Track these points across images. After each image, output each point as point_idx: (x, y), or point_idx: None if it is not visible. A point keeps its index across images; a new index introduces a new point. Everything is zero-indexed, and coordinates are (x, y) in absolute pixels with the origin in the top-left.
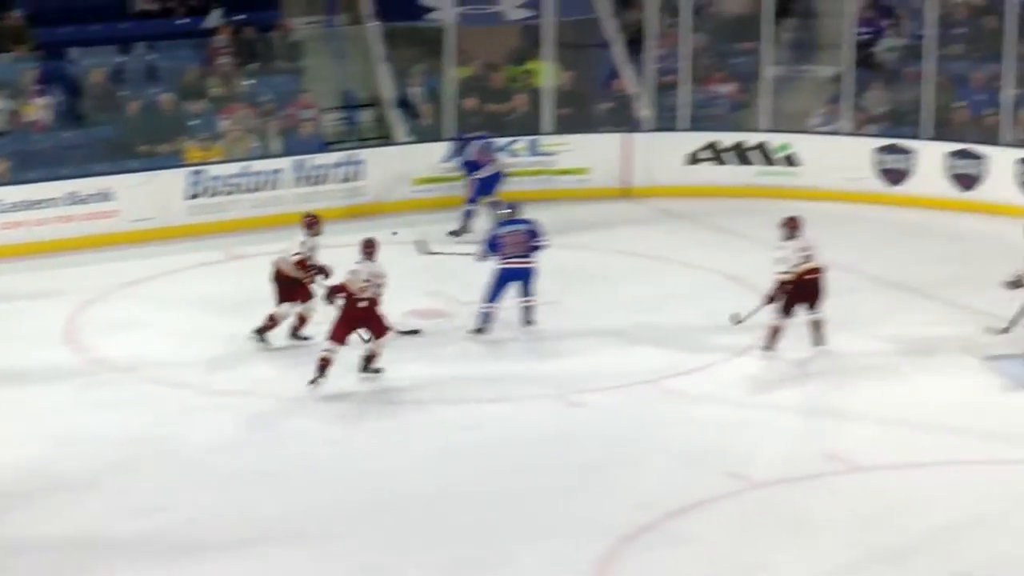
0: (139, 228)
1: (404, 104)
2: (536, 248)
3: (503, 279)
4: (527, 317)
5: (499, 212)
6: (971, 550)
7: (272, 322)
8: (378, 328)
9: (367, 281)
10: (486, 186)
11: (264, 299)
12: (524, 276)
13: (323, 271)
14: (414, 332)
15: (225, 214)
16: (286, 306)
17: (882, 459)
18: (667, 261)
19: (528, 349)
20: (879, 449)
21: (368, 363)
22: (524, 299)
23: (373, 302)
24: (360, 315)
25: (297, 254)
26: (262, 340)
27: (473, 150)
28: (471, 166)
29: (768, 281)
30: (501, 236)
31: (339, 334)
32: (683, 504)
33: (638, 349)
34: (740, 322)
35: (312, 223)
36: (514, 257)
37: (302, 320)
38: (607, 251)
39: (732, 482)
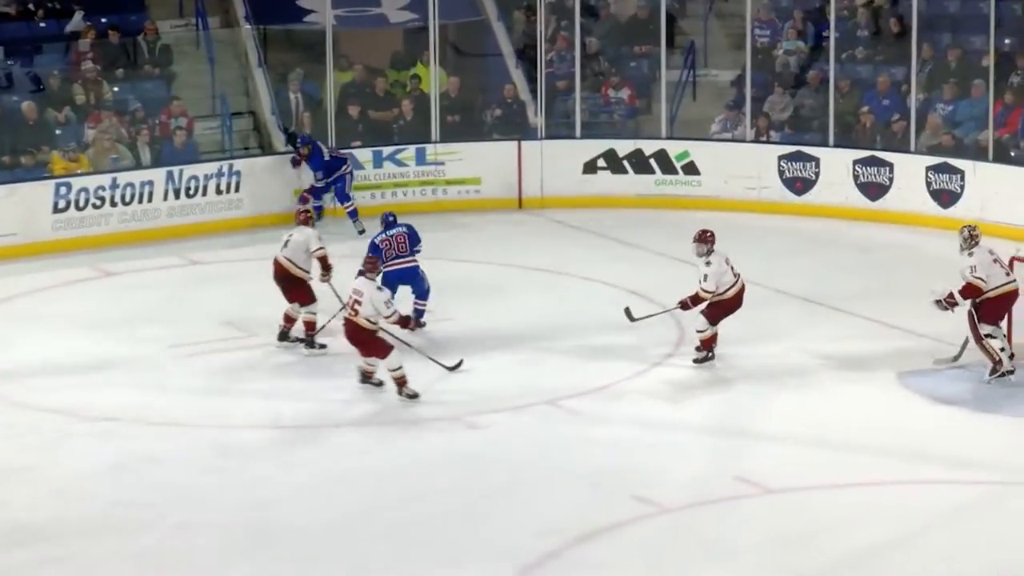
0: (2, 244)
1: (280, 111)
2: (415, 250)
3: (388, 284)
4: (417, 319)
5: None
6: (893, 571)
7: (289, 322)
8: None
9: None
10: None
11: (138, 316)
12: (409, 277)
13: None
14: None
15: (94, 228)
16: (296, 304)
17: (797, 479)
18: (564, 275)
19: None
20: (793, 469)
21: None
22: (417, 302)
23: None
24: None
25: (320, 248)
26: (291, 342)
27: (325, 150)
28: (332, 165)
29: (673, 293)
30: (379, 242)
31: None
32: (589, 530)
33: (537, 367)
34: (633, 320)
35: (309, 217)
36: (395, 259)
37: (290, 321)
38: (501, 265)
39: (640, 506)
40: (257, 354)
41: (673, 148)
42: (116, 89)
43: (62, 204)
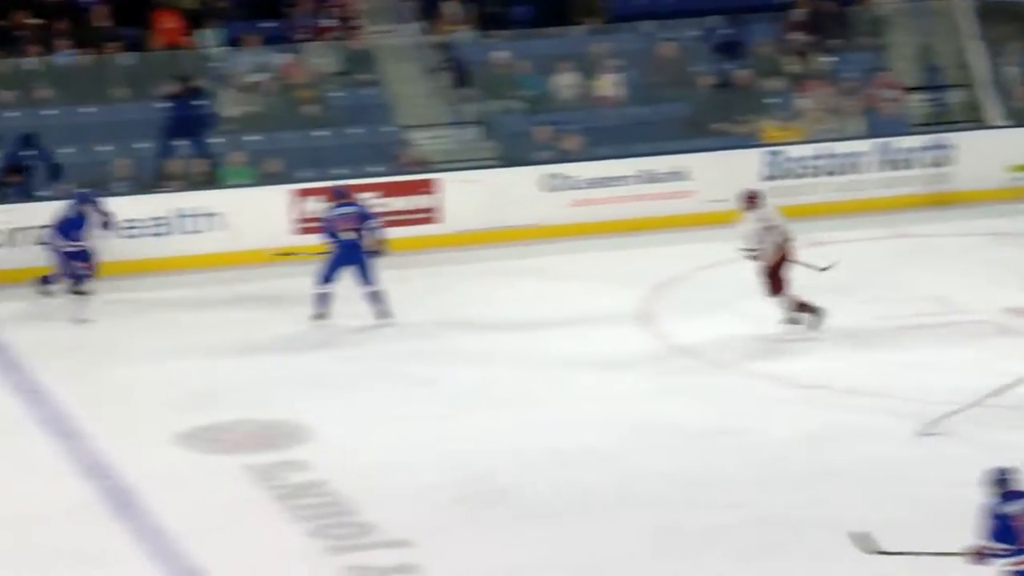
0: (714, 209)
1: (998, 85)
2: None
3: (337, 259)
4: (380, 309)
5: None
6: None
7: (803, 307)
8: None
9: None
10: None
11: (844, 287)
12: (358, 258)
13: None
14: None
15: (802, 197)
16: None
17: None
18: None
19: None
20: None
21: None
22: (367, 287)
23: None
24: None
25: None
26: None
27: None
28: None
29: None
30: (333, 219)
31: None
32: None
33: None
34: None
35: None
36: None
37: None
38: None
39: None
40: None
41: None
42: (828, 59)
43: (770, 172)
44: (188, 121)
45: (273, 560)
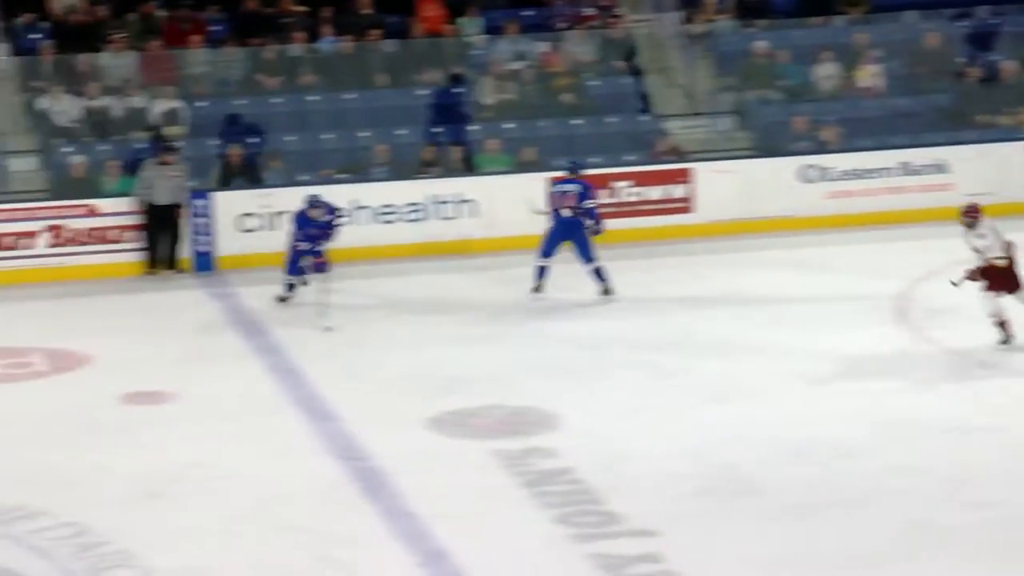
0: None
1: None
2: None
3: (554, 234)
4: (602, 286)
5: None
6: None
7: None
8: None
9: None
10: None
11: None
12: (575, 235)
13: None
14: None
15: None
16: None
17: None
18: None
19: None
20: None
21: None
22: (587, 265)
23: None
24: None
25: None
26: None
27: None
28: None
29: None
30: (553, 195)
31: None
32: None
33: None
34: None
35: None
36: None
37: None
38: None
39: None
40: None
41: None
42: None
43: None
44: (447, 109)
45: (518, 546)
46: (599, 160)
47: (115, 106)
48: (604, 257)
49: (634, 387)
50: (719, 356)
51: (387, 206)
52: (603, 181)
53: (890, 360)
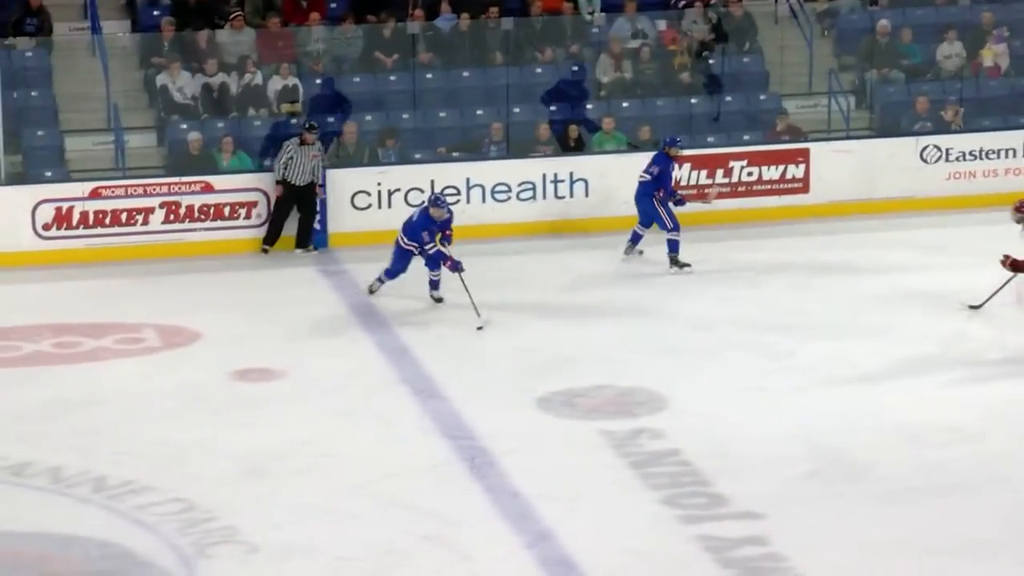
0: None
1: None
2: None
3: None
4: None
5: None
6: None
7: None
8: None
9: None
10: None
11: None
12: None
13: None
14: None
15: None
16: None
17: None
18: None
19: None
20: None
21: None
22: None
23: None
24: None
25: None
26: None
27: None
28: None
29: None
30: None
31: None
32: None
33: None
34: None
35: None
36: None
37: None
38: None
39: None
40: None
41: None
42: None
43: None
44: (565, 87)
45: (624, 527)
46: (716, 139)
47: (232, 83)
48: (719, 237)
49: (744, 368)
50: (832, 338)
51: (501, 184)
52: (720, 161)
53: (1005, 344)
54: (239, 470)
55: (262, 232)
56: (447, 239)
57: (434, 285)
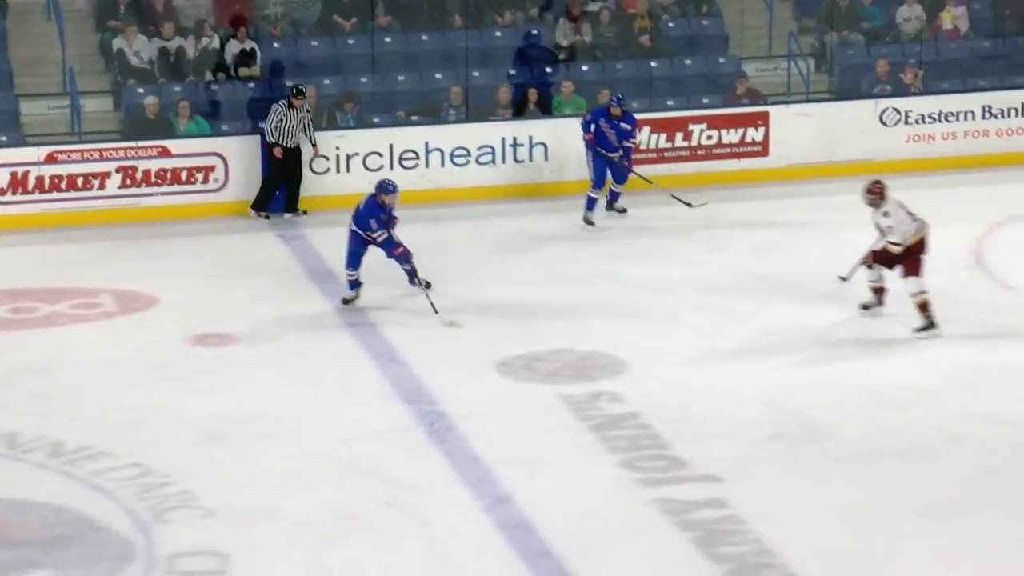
0: None
1: None
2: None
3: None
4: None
5: None
6: None
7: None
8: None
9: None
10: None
11: None
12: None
13: None
14: None
15: None
16: None
17: None
18: None
19: None
20: None
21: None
22: None
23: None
24: None
25: None
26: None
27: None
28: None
29: None
30: None
31: None
32: None
33: None
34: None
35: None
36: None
37: None
38: None
39: None
40: None
41: None
42: None
43: None
44: (523, 50)
45: (585, 490)
46: (675, 102)
47: (189, 47)
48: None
49: (705, 332)
50: (792, 302)
51: (460, 148)
52: (679, 124)
53: (967, 305)
54: (197, 435)
55: (220, 197)
56: (392, 223)
57: (409, 277)
